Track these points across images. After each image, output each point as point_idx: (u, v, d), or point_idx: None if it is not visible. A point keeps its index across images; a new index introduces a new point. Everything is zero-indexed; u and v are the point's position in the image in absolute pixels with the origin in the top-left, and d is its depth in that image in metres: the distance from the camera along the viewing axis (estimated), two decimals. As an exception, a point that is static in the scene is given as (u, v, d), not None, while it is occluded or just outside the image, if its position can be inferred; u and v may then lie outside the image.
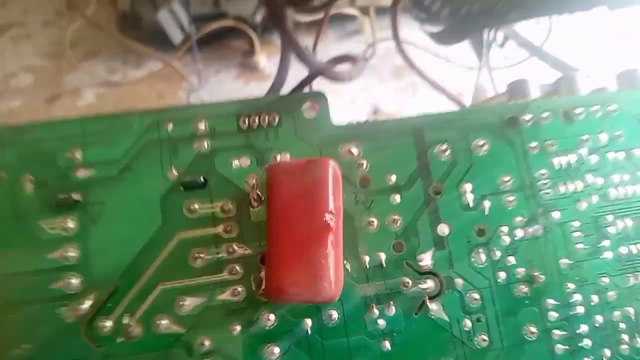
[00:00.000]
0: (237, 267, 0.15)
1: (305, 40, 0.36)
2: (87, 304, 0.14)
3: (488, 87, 0.21)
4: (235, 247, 0.15)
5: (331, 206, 0.14)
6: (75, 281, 0.14)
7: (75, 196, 0.15)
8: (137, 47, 0.33)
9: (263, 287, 0.15)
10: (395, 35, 0.20)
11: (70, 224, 0.15)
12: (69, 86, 0.34)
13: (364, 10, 0.35)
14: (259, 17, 0.34)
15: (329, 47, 0.36)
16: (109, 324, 0.14)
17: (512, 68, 0.28)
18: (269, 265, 0.14)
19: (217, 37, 0.36)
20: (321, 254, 0.14)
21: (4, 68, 0.36)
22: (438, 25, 0.22)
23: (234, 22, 0.34)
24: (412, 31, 0.34)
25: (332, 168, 0.14)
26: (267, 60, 0.36)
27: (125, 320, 0.14)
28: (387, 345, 0.15)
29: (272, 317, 0.15)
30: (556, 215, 0.16)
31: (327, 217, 0.14)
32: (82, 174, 0.15)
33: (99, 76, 0.35)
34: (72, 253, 0.15)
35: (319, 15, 0.32)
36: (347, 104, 0.35)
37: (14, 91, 0.35)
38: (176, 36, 0.34)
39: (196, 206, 0.15)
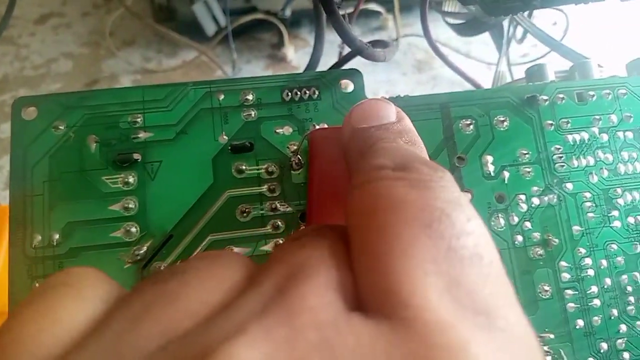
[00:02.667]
0: (279, 223, 0.17)
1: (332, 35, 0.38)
2: (143, 250, 0.16)
3: (507, 75, 0.23)
4: (278, 205, 0.17)
5: (367, 168, 0.16)
6: (133, 230, 0.16)
7: (136, 155, 0.17)
8: (173, 36, 0.35)
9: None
10: (425, 28, 0.22)
11: (130, 180, 0.17)
12: (106, 72, 0.37)
13: (388, 7, 0.37)
14: (288, 12, 0.36)
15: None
16: (163, 268, 0.16)
17: (530, 64, 0.30)
18: (311, 220, 0.16)
19: (247, 29, 0.38)
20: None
21: (46, 54, 0.38)
22: (460, 18, 0.23)
23: (265, 16, 0.36)
24: (434, 29, 0.35)
25: (368, 134, 0.16)
26: (294, 52, 0.38)
27: (179, 266, 0.16)
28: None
29: (309, 268, 0.16)
30: (569, 186, 0.17)
31: (363, 177, 0.15)
32: (141, 135, 0.17)
33: (135, 64, 0.37)
34: (132, 205, 0.16)
35: (347, 10, 0.34)
36: (369, 94, 0.36)
37: (54, 75, 0.37)
38: (209, 28, 0.36)
39: (243, 167, 0.17)
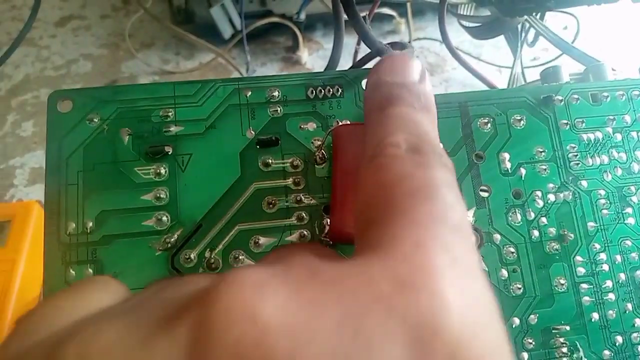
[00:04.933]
0: (304, 214, 0.17)
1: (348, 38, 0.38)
2: (174, 239, 0.17)
3: (521, 77, 0.24)
4: (302, 198, 0.17)
5: (390, 162, 0.16)
6: (164, 219, 0.17)
7: (167, 148, 0.17)
8: (191, 39, 0.36)
9: (326, 231, 0.17)
10: (443, 31, 0.22)
11: (162, 171, 0.17)
12: (125, 73, 0.37)
13: (401, 11, 0.37)
14: (302, 15, 0.37)
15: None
16: (192, 256, 0.17)
17: (541, 67, 0.30)
18: (334, 212, 0.16)
19: (262, 33, 0.39)
20: (381, 201, 0.16)
21: (66, 55, 0.39)
22: (476, 21, 0.24)
23: (280, 19, 0.37)
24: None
25: (391, 130, 0.16)
26: (308, 55, 0.38)
27: (207, 254, 0.17)
28: (433, 288, 0.17)
29: (332, 258, 0.17)
30: (584, 183, 0.18)
31: (386, 170, 0.16)
32: (173, 129, 0.18)
33: (153, 65, 0.38)
34: (163, 195, 0.17)
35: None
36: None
37: (74, 76, 0.38)
38: (226, 31, 0.37)
39: (269, 161, 0.17)
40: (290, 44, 0.39)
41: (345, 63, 0.26)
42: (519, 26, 0.23)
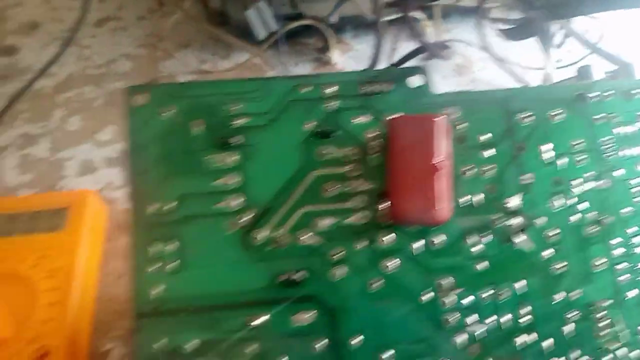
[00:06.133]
0: (362, 199, 0.19)
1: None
2: (243, 220, 0.18)
3: (552, 77, 0.25)
4: (359, 183, 0.19)
5: (439, 152, 0.18)
6: (234, 202, 0.18)
7: (235, 139, 0.19)
8: (228, 39, 0.38)
9: (382, 214, 0.18)
10: (480, 32, 0.24)
11: (232, 159, 0.19)
12: (164, 72, 0.39)
13: (428, 14, 0.39)
14: (334, 18, 0.38)
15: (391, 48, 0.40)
16: (262, 235, 0.18)
17: (565, 68, 0.32)
18: (393, 196, 0.18)
19: (294, 34, 0.40)
20: (432, 188, 0.17)
21: (106, 55, 0.41)
22: (509, 23, 0.26)
23: (313, 22, 0.38)
24: (470, 34, 0.38)
25: (444, 121, 0.18)
26: (339, 56, 0.40)
27: (275, 233, 0.18)
28: (483, 265, 0.18)
29: (388, 238, 0.18)
30: (618, 173, 0.20)
31: (440, 159, 0.18)
32: (239, 122, 0.19)
33: (191, 65, 0.39)
34: (232, 181, 0.19)
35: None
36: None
37: (115, 75, 0.39)
38: (260, 32, 0.38)
39: (327, 151, 0.19)
40: (321, 45, 0.41)
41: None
42: (550, 28, 0.25)
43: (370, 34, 0.41)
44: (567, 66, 0.30)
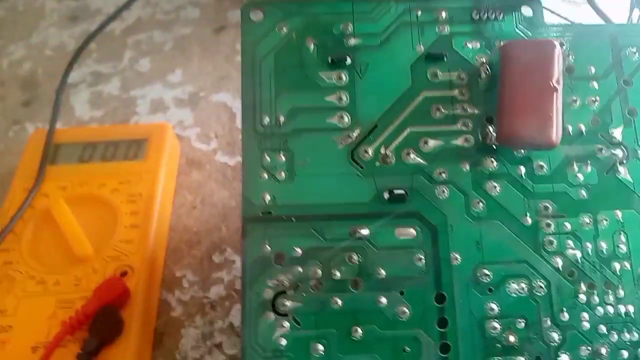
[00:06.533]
0: (469, 122, 0.19)
1: None
2: (354, 135, 0.19)
3: None
4: (467, 107, 0.19)
5: (557, 75, 0.18)
6: (345, 118, 0.19)
7: (347, 57, 0.19)
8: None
9: (489, 137, 0.19)
10: None
11: (343, 77, 0.19)
12: (232, 20, 0.40)
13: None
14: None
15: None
16: (370, 151, 0.19)
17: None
18: (506, 116, 0.18)
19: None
20: (550, 108, 0.18)
21: (174, 2, 0.41)
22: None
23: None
24: None
25: (558, 47, 0.18)
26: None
27: (382, 150, 0.19)
28: (584, 193, 0.19)
29: (493, 161, 0.19)
30: None
31: (554, 82, 0.18)
32: (352, 41, 0.20)
33: (259, 13, 0.40)
34: (344, 97, 0.19)
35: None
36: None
37: (184, 21, 0.40)
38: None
39: (437, 73, 0.19)
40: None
41: None
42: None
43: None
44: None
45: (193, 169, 0.31)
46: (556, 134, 0.17)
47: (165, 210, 0.29)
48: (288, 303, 0.17)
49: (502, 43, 0.19)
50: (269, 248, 0.18)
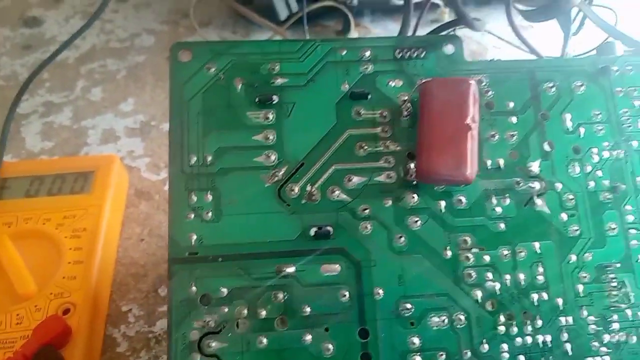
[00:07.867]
0: (391, 159, 0.20)
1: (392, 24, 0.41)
2: (280, 174, 0.19)
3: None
4: (389, 144, 0.20)
5: (472, 113, 0.19)
6: (272, 157, 0.19)
7: (274, 97, 0.20)
8: (253, 17, 0.38)
9: (410, 173, 0.19)
10: (510, 21, 0.25)
11: (270, 116, 0.20)
12: (186, 48, 0.40)
13: (446, 1, 0.40)
14: (355, 0, 0.39)
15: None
16: (296, 189, 0.19)
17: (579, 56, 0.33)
18: (421, 155, 0.19)
19: (314, 17, 0.41)
20: (464, 146, 0.18)
21: (129, 29, 0.42)
22: (530, 5, 0.27)
23: (334, 3, 0.39)
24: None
25: (474, 86, 0.19)
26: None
27: (308, 188, 0.19)
28: (502, 226, 0.19)
29: (415, 196, 0.19)
30: (635, 143, 0.21)
31: (469, 120, 0.19)
32: (279, 81, 0.20)
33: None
34: (271, 137, 0.20)
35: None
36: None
37: (138, 49, 0.40)
38: (282, 12, 0.39)
39: (361, 111, 0.20)
40: (340, 28, 0.42)
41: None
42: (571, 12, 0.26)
43: (388, 19, 0.42)
44: (584, 53, 0.31)
45: (142, 200, 0.31)
46: (471, 170, 0.18)
47: (111, 244, 0.29)
48: (214, 344, 0.18)
49: (422, 80, 0.20)
50: (195, 289, 0.18)
